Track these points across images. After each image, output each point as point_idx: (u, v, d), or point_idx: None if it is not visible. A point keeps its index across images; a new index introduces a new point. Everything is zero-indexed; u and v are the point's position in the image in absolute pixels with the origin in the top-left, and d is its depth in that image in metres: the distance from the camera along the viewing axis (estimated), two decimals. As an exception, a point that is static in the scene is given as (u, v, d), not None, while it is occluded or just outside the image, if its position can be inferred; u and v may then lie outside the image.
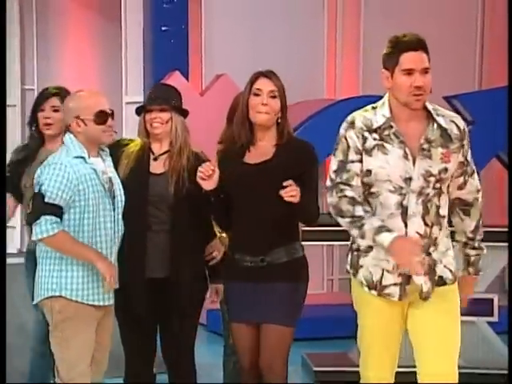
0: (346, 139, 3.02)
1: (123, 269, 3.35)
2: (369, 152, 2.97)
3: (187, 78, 6.61)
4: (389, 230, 2.89)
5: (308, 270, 3.44)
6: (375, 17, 7.30)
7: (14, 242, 7.03)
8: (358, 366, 5.04)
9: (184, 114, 3.55)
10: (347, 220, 2.97)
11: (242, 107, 3.33)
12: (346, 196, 2.96)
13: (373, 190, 2.98)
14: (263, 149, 3.34)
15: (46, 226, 3.16)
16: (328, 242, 5.97)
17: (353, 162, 2.98)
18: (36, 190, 3.21)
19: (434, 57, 8.40)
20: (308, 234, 5.19)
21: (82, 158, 3.26)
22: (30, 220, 3.22)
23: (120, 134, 6.81)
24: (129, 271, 3.38)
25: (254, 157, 3.32)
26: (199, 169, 3.26)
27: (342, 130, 3.06)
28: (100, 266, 3.19)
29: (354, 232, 2.97)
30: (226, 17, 6.96)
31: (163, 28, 6.60)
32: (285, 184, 3.16)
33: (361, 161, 2.98)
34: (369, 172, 2.96)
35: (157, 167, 3.50)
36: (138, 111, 3.55)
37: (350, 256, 3.18)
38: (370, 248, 3.01)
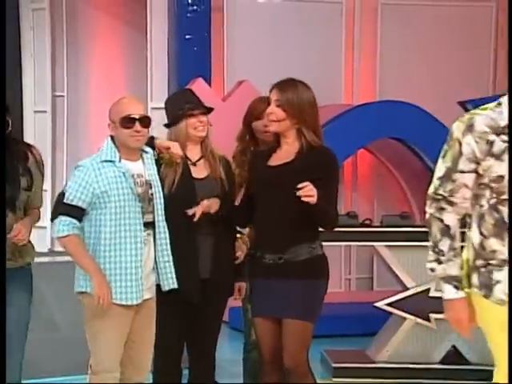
0: (459, 144, 2.57)
1: (176, 270, 3.40)
2: (499, 157, 2.53)
3: (210, 84, 6.63)
4: (457, 286, 2.61)
5: (328, 267, 3.48)
6: (392, 23, 7.27)
7: (45, 242, 7.08)
8: (374, 362, 5.06)
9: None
10: (430, 243, 2.67)
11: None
12: (441, 220, 2.61)
13: (503, 197, 2.55)
14: (286, 153, 3.43)
15: (59, 226, 3.22)
16: (346, 243, 5.95)
17: (462, 172, 2.57)
18: (63, 190, 3.28)
19: (449, 63, 8.37)
20: (326, 234, 5.19)
21: (112, 161, 3.28)
22: (51, 218, 3.27)
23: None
24: (182, 274, 3.41)
25: (276, 160, 3.43)
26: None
27: (456, 131, 2.61)
28: (95, 283, 3.20)
29: (431, 257, 2.67)
30: (247, 25, 6.97)
31: (187, 36, 6.62)
32: (301, 186, 3.18)
33: (474, 171, 2.56)
34: (500, 178, 2.54)
35: (198, 172, 3.54)
36: (182, 116, 3.53)
37: (475, 275, 2.65)
38: (504, 261, 2.59)
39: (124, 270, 3.27)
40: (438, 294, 4.93)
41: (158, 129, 3.69)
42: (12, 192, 3.25)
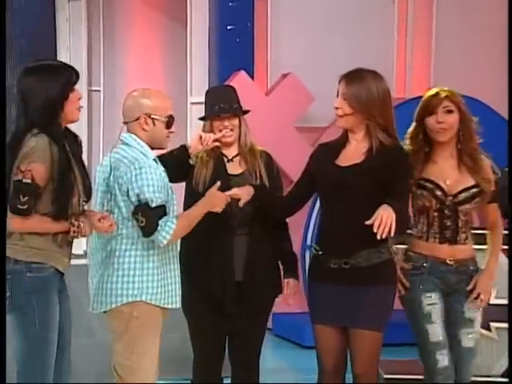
0: None
1: (209, 271, 3.42)
2: None
3: (252, 78, 6.61)
4: None
5: (396, 271, 3.43)
6: (448, 11, 7.15)
7: (80, 244, 7.14)
8: (429, 374, 4.98)
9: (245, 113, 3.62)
10: None
11: None
12: None
13: None
14: (356, 152, 3.37)
15: (163, 232, 3.11)
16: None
17: None
18: (136, 203, 3.08)
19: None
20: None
21: (155, 160, 3.24)
22: (148, 234, 3.10)
23: (185, 133, 6.87)
24: (216, 274, 3.43)
25: (345, 159, 3.37)
26: None
27: None
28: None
29: None
30: (292, 14, 6.93)
31: (229, 27, 6.62)
32: (371, 222, 3.08)
33: None
34: None
35: (233, 168, 3.55)
36: (208, 117, 3.54)
37: None
38: None
39: (174, 271, 3.24)
40: (499, 302, 4.87)
41: (197, 122, 3.68)
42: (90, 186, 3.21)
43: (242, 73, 6.49)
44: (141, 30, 7.37)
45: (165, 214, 3.12)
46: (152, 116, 3.21)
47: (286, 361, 5.68)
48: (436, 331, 3.40)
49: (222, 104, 3.51)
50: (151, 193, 3.11)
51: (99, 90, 7.64)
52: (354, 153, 3.36)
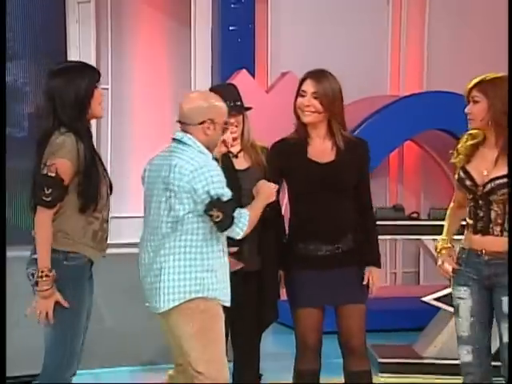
0: None
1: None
2: None
3: (253, 76, 6.61)
4: None
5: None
6: (440, 10, 7.15)
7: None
8: (422, 358, 4.99)
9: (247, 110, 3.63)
10: None
11: (293, 107, 3.54)
12: None
13: None
14: (323, 148, 3.49)
15: (242, 221, 3.10)
16: (392, 236, 5.88)
17: None
18: (208, 199, 3.05)
19: (500, 53, 8.18)
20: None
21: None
22: (225, 227, 3.07)
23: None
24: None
25: (318, 155, 3.48)
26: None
27: None
28: (265, 193, 3.28)
29: None
30: (291, 15, 6.93)
31: (231, 28, 6.62)
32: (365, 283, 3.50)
33: None
34: None
35: (240, 164, 3.57)
36: None
37: None
38: None
39: (225, 267, 3.20)
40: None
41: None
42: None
43: (244, 71, 6.49)
44: (147, 31, 7.37)
45: (236, 207, 3.11)
46: (215, 121, 3.18)
47: (288, 346, 5.69)
48: (461, 325, 3.28)
49: (227, 101, 3.48)
50: (221, 188, 3.09)
51: (107, 88, 7.61)
52: (323, 149, 3.48)
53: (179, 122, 3.21)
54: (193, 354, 3.11)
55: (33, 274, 2.99)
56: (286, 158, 3.50)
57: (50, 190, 2.92)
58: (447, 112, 6.35)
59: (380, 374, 4.93)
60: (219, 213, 3.06)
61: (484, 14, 7.21)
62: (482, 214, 3.23)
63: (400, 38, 7.15)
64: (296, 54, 6.83)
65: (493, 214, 3.20)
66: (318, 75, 3.51)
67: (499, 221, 3.19)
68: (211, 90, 3.67)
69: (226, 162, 3.51)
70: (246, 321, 3.56)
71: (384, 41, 7.09)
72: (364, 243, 3.52)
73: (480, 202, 3.23)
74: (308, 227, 3.49)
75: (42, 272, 2.94)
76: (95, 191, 3.02)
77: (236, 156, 3.55)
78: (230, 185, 3.35)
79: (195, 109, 3.17)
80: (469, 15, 7.20)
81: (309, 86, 3.47)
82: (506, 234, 3.18)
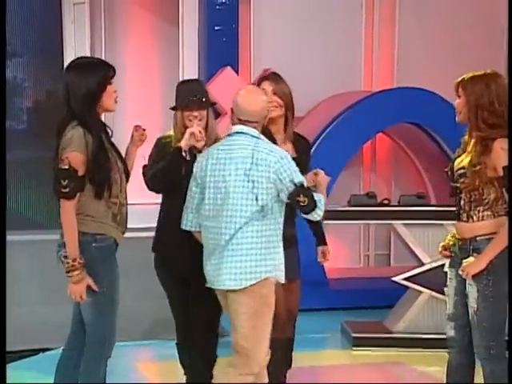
0: None
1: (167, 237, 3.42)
2: None
3: (237, 73, 6.62)
4: None
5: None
6: (410, 12, 7.19)
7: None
8: (392, 333, 5.06)
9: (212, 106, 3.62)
10: None
11: None
12: None
13: None
14: (284, 142, 3.59)
15: (321, 205, 3.21)
16: (365, 221, 5.94)
17: None
18: (292, 186, 3.15)
19: (465, 51, 8.26)
20: (346, 213, 5.18)
21: None
22: (310, 210, 3.17)
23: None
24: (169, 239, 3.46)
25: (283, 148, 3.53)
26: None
27: None
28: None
29: None
30: (272, 16, 6.93)
31: (216, 27, 6.61)
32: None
33: None
34: None
35: None
36: (180, 107, 3.48)
37: None
38: None
39: (281, 248, 3.28)
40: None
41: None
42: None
43: (228, 69, 6.49)
44: (138, 30, 7.35)
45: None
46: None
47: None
48: (447, 304, 3.27)
49: (188, 96, 3.46)
50: (300, 176, 3.20)
51: (101, 84, 7.61)
52: (285, 143, 3.60)
53: (239, 119, 3.24)
54: (242, 331, 3.17)
55: (65, 257, 3.00)
56: None
57: (67, 182, 2.94)
58: (416, 106, 6.40)
59: (354, 348, 4.99)
60: (305, 198, 3.16)
61: (450, 16, 7.26)
62: (456, 202, 3.21)
63: (372, 38, 7.18)
64: (277, 52, 6.85)
65: (462, 202, 3.17)
66: (274, 77, 3.66)
67: (466, 208, 3.14)
68: (179, 84, 3.61)
69: (193, 158, 3.42)
70: (203, 306, 3.49)
71: (358, 41, 7.12)
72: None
73: (456, 190, 3.21)
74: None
75: (73, 261, 2.96)
76: (106, 177, 3.02)
77: (200, 151, 3.45)
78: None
79: (263, 107, 3.28)
80: (436, 17, 7.25)
81: (268, 86, 3.58)
82: (471, 220, 3.14)
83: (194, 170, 3.29)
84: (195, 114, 3.47)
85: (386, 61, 7.20)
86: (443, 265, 4.93)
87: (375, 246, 7.29)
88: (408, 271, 5.05)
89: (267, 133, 3.44)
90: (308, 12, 6.97)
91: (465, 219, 3.16)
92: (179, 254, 3.45)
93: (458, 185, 3.17)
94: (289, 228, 3.41)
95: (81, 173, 2.99)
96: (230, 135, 3.27)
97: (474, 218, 3.13)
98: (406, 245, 5.13)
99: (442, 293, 4.89)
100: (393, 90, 6.75)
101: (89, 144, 3.00)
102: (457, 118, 3.27)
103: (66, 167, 2.96)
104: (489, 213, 3.11)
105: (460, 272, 3.15)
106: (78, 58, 3.26)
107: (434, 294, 4.96)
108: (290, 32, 6.92)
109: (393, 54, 7.20)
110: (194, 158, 3.41)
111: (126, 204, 3.16)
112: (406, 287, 5.09)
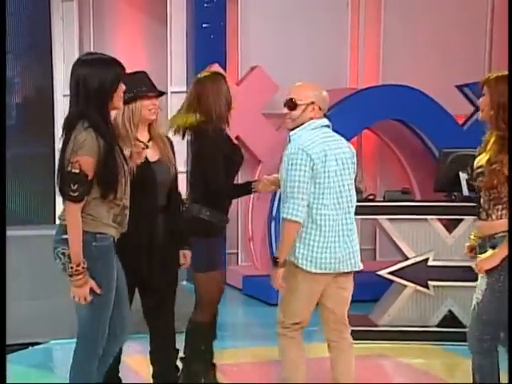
0: None
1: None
2: None
3: (225, 70, 6.61)
4: None
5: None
6: (394, 12, 7.21)
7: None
8: (377, 326, 5.08)
9: None
10: None
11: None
12: None
13: None
14: None
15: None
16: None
17: None
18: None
19: (448, 50, 8.29)
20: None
21: None
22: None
23: (166, 119, 6.84)
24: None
25: None
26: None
27: None
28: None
29: None
30: (259, 14, 6.93)
31: (204, 25, 6.60)
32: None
33: None
34: None
35: (151, 155, 3.42)
36: (138, 97, 3.36)
37: None
38: None
39: None
40: (435, 263, 4.98)
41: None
42: None
43: (216, 65, 6.47)
44: (127, 28, 7.32)
45: None
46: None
47: (255, 317, 5.75)
48: (474, 299, 3.21)
49: (147, 85, 3.37)
50: None
51: (90, 81, 7.57)
52: None
53: (323, 111, 3.36)
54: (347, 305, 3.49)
55: (63, 254, 2.93)
56: (227, 146, 3.62)
57: (76, 186, 2.86)
58: (401, 104, 6.42)
59: (340, 341, 4.99)
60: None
61: (435, 16, 7.29)
62: (476, 200, 3.20)
63: (358, 36, 7.20)
64: (264, 50, 6.85)
65: (481, 200, 3.16)
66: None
67: (486, 206, 3.13)
68: (128, 75, 3.27)
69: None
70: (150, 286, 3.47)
71: (344, 39, 7.13)
72: None
73: (476, 188, 3.19)
74: (218, 201, 3.63)
75: (77, 265, 2.90)
76: (113, 180, 2.95)
77: (147, 146, 3.37)
78: (144, 178, 3.28)
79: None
80: (421, 17, 7.27)
81: None
82: (490, 218, 3.12)
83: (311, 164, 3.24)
84: (156, 102, 3.39)
85: (371, 59, 7.22)
86: (427, 259, 4.97)
87: (361, 240, 7.28)
88: (393, 265, 5.07)
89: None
90: (295, 11, 6.97)
91: (484, 217, 3.15)
92: (142, 260, 3.42)
93: (479, 183, 3.14)
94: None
95: (90, 177, 2.91)
96: (314, 128, 3.31)
97: (493, 216, 3.12)
98: (391, 239, 5.14)
99: (426, 286, 4.98)
100: (378, 87, 6.77)
101: (100, 147, 2.91)
102: (479, 116, 3.24)
103: (77, 171, 2.87)
104: (508, 211, 3.08)
105: (474, 266, 3.17)
106: (89, 54, 3.14)
107: (418, 287, 4.98)
108: (277, 30, 6.92)
109: (378, 52, 7.22)
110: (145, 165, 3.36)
111: (128, 206, 3.08)
112: (391, 281, 5.10)
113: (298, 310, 3.35)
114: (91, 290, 2.94)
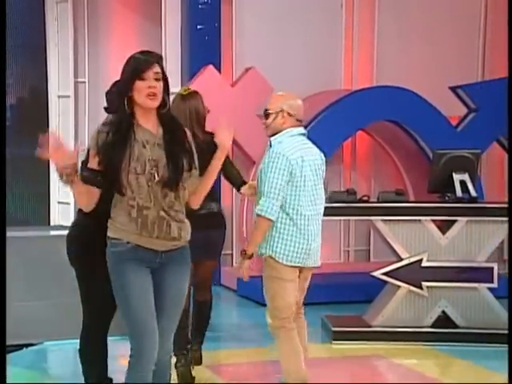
0: None
1: None
2: None
3: (220, 71, 6.60)
4: None
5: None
6: (388, 14, 7.22)
7: (69, 216, 7.11)
8: (371, 326, 5.08)
9: None
10: None
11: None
12: None
13: None
14: None
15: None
16: (345, 217, 5.95)
17: None
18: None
19: (442, 51, 8.30)
20: (327, 210, 5.18)
21: None
22: None
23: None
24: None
25: None
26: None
27: None
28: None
29: None
30: (254, 16, 6.92)
31: (198, 26, 6.59)
32: None
33: None
34: None
35: None
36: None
37: None
38: None
39: None
40: (429, 264, 4.98)
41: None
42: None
43: (211, 67, 6.47)
44: (121, 29, 7.31)
45: None
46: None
47: (249, 317, 5.75)
48: None
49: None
50: None
51: (84, 82, 7.55)
52: None
53: (299, 121, 3.59)
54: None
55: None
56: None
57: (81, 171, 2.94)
58: (395, 105, 6.43)
59: (334, 342, 4.99)
60: None
61: (429, 16, 7.30)
62: None
63: (352, 37, 7.20)
64: (258, 52, 6.84)
65: None
66: None
67: None
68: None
69: None
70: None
71: (338, 40, 7.13)
72: None
73: None
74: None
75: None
76: (114, 175, 2.88)
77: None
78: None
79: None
80: (415, 18, 7.28)
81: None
82: None
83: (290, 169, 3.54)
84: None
85: (365, 60, 7.22)
86: (421, 260, 4.97)
87: (355, 241, 7.31)
88: (386, 266, 5.07)
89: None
90: (289, 12, 6.97)
91: None
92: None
93: None
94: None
95: (91, 165, 2.93)
96: (292, 135, 3.56)
97: None
98: (384, 240, 5.14)
99: (420, 287, 4.98)
100: (372, 88, 6.77)
101: (99, 142, 2.93)
102: None
103: (83, 159, 3.00)
104: None
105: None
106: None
107: (411, 288, 4.98)
108: (272, 31, 6.92)
109: (372, 53, 7.23)
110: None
111: (149, 207, 2.94)
112: (385, 282, 5.10)
113: (285, 301, 3.55)
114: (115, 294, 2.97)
